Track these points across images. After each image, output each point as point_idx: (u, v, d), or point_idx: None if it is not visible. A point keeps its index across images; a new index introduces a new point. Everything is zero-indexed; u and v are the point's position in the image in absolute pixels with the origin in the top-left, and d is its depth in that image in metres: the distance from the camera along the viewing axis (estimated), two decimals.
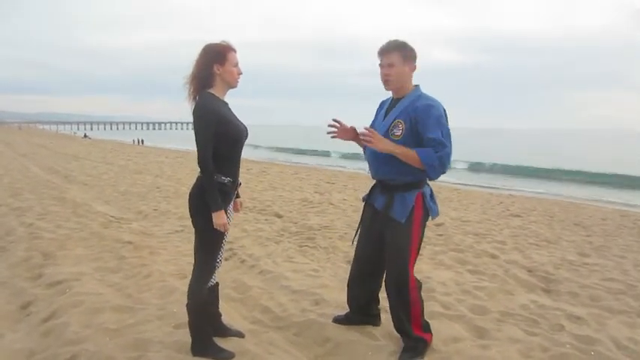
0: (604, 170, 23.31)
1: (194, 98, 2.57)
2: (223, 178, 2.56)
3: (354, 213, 7.71)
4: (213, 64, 2.53)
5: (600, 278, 4.60)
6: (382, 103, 2.96)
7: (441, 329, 3.17)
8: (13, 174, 11.82)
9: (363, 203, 3.02)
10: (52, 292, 3.65)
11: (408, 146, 2.64)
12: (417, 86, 2.78)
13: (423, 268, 4.65)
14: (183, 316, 3.19)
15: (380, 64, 2.72)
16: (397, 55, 2.66)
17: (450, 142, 2.64)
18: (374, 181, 2.95)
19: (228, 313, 3.17)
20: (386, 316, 3.20)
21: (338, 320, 3.15)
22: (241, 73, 2.64)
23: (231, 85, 2.63)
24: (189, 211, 2.62)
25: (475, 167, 26.47)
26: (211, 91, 2.56)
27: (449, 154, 2.63)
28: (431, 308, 3.59)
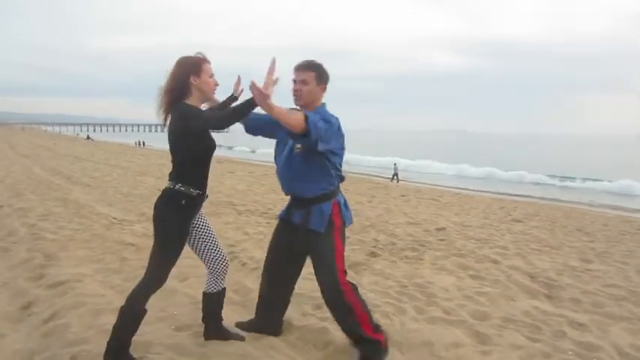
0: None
1: (166, 110, 2.56)
2: (192, 190, 2.55)
3: (354, 217, 7.70)
4: (190, 75, 2.53)
5: (602, 284, 4.58)
6: None
7: (442, 334, 3.17)
8: (16, 175, 11.86)
9: (278, 220, 3.04)
10: (53, 292, 3.65)
11: (307, 161, 2.69)
12: (323, 104, 2.86)
13: (424, 273, 4.65)
14: (184, 319, 3.20)
15: (293, 79, 2.79)
16: (312, 75, 2.76)
17: (322, 125, 2.58)
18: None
19: (230, 316, 3.16)
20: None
21: (240, 325, 3.10)
22: (218, 84, 2.64)
23: (208, 96, 2.64)
24: (153, 219, 2.60)
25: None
26: (187, 101, 2.55)
27: (319, 125, 2.55)
28: (432, 313, 3.59)
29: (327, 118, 2.68)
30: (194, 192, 2.56)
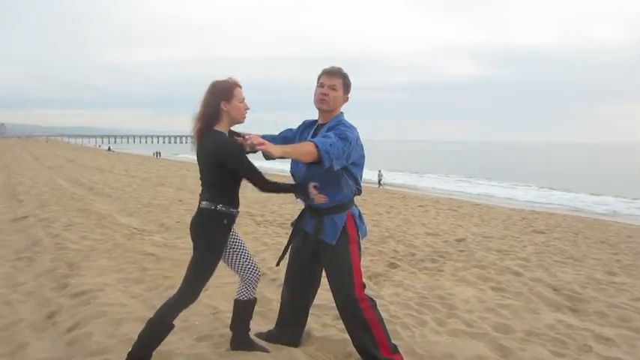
0: None
1: (199, 136, 2.61)
2: (232, 209, 2.63)
3: (374, 227, 7.68)
4: (220, 102, 2.56)
5: (630, 298, 4.47)
6: (308, 125, 2.97)
7: (463, 347, 3.12)
8: (41, 186, 12.13)
9: (292, 228, 3.03)
10: (76, 302, 3.71)
11: (330, 172, 2.60)
12: (341, 113, 2.85)
13: (444, 285, 4.59)
14: (205, 329, 3.22)
15: (320, 83, 2.78)
16: (341, 82, 2.77)
17: (340, 144, 2.56)
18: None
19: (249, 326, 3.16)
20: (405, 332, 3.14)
21: (260, 336, 3.09)
22: (248, 109, 2.67)
23: (238, 120, 2.66)
24: (192, 237, 2.66)
25: None
26: (217, 128, 2.60)
27: (335, 145, 2.53)
28: (453, 325, 3.54)
29: (344, 132, 2.63)
30: (234, 211, 2.64)
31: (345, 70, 2.82)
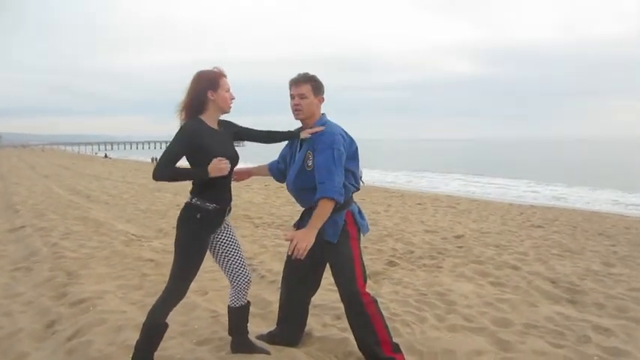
0: None
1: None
2: (207, 204, 2.56)
3: (372, 226, 7.67)
4: (207, 91, 2.55)
5: (627, 288, 4.49)
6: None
7: (463, 342, 3.14)
8: (37, 195, 12.10)
9: (295, 229, 3.04)
10: (75, 310, 3.71)
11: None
12: (323, 115, 2.88)
13: (443, 281, 4.61)
14: (205, 333, 3.23)
15: (291, 95, 2.81)
16: (308, 87, 2.78)
17: (338, 166, 2.67)
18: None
19: (250, 329, 3.17)
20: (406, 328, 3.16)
21: (261, 338, 3.10)
22: (234, 98, 2.66)
23: (224, 110, 2.66)
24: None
25: None
26: (202, 117, 2.58)
27: (336, 175, 2.65)
28: (453, 321, 3.55)
29: (331, 146, 2.68)
30: (210, 206, 2.57)
31: (312, 74, 2.81)
